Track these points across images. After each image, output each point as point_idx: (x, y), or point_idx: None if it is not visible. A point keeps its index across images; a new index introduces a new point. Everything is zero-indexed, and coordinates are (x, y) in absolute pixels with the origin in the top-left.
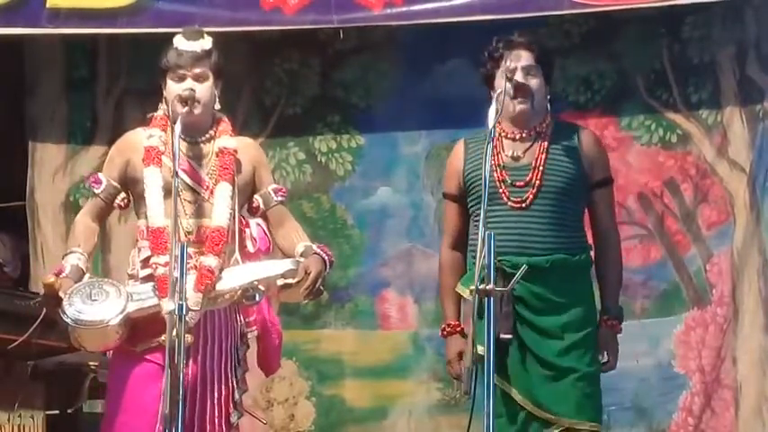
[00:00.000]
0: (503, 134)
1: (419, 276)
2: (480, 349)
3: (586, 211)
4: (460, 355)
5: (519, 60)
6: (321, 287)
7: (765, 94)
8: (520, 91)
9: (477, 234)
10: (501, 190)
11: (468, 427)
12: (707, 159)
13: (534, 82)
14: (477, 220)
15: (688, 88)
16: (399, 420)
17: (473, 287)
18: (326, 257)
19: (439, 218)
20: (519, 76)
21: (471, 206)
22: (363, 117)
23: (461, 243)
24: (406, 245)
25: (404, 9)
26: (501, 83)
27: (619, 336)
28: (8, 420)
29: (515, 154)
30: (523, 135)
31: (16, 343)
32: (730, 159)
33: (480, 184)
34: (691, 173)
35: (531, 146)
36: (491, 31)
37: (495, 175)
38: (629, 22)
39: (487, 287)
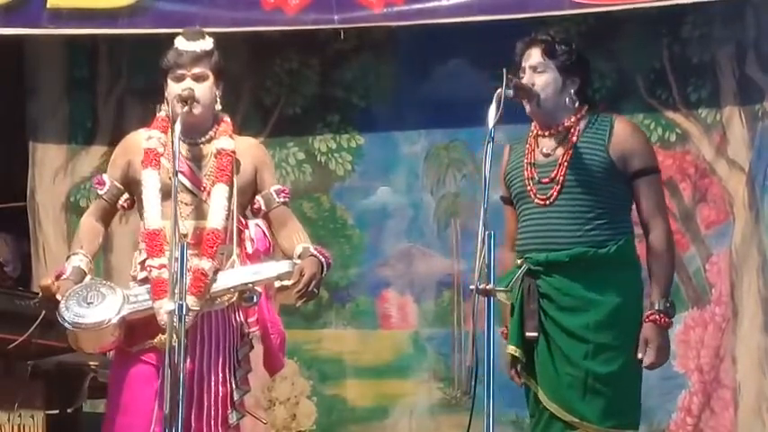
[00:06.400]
0: (537, 133)
1: (419, 276)
2: (512, 349)
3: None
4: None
5: (529, 60)
6: (315, 290)
7: (765, 94)
8: (521, 91)
9: (518, 233)
10: (529, 188)
11: (469, 426)
12: (706, 159)
13: (541, 79)
14: (521, 219)
15: (687, 88)
16: (400, 420)
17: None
18: (323, 260)
19: (438, 217)
20: (527, 76)
21: (516, 206)
22: (363, 117)
23: None
24: (406, 245)
25: (404, 8)
26: None
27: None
28: (8, 420)
29: (546, 151)
30: (552, 132)
31: (16, 343)
32: (729, 159)
33: (516, 184)
34: (689, 172)
35: (562, 142)
36: (491, 32)
37: (526, 173)
38: (629, 22)
39: (488, 287)
